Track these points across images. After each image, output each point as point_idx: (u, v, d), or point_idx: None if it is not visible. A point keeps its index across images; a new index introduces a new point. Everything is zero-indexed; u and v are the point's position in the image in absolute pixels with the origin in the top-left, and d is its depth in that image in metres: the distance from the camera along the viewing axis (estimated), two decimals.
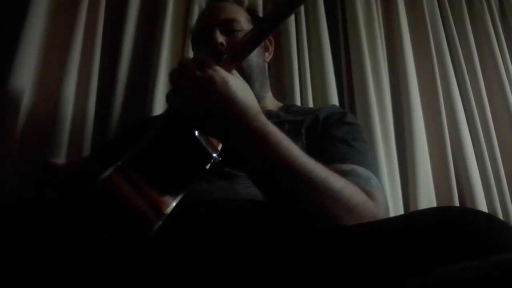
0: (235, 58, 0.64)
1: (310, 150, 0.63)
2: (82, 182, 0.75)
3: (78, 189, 0.72)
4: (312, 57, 1.41)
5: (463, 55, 1.58)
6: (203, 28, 0.98)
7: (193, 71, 0.59)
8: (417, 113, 1.40)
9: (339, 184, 0.61)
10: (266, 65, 1.04)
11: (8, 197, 0.99)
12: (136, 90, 1.24)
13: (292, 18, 1.41)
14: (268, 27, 0.63)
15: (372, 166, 0.79)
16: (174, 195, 0.61)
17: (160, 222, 0.58)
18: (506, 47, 1.66)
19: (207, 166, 0.64)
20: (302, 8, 1.45)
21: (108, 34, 1.25)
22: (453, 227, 0.43)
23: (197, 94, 0.58)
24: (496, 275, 0.33)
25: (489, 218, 0.46)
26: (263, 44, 1.02)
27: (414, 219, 0.50)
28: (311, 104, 1.32)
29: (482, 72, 1.58)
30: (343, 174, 0.68)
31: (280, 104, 1.05)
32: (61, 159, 1.02)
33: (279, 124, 0.86)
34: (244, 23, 0.97)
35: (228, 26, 0.95)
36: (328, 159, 0.73)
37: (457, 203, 1.31)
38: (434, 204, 1.29)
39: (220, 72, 0.59)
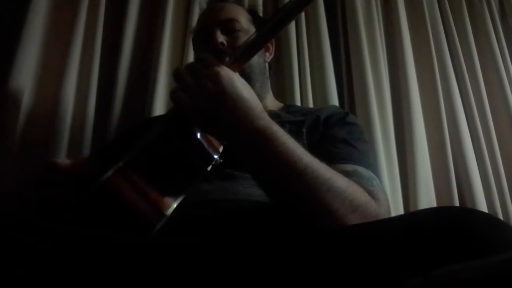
0: (237, 62, 0.64)
1: (311, 150, 0.63)
2: (83, 182, 0.75)
3: (79, 189, 0.72)
4: (312, 57, 1.41)
5: (463, 55, 1.58)
6: (204, 28, 0.98)
7: (199, 68, 0.59)
8: (417, 113, 1.40)
9: (343, 184, 0.61)
10: (267, 65, 1.04)
11: (8, 197, 0.99)
12: (136, 90, 1.24)
13: None
14: (271, 31, 0.63)
15: (374, 166, 0.79)
16: (175, 196, 0.61)
17: (161, 223, 0.58)
18: (506, 47, 1.66)
19: (209, 168, 0.64)
20: None
21: (108, 34, 1.25)
22: (453, 227, 0.43)
23: (203, 90, 0.58)
24: (496, 275, 0.33)
25: (489, 218, 0.46)
26: None
27: (414, 219, 0.50)
28: (311, 104, 1.32)
29: (482, 72, 1.58)
30: (345, 174, 0.68)
31: (280, 104, 1.05)
32: (62, 158, 1.02)
33: (280, 124, 0.86)
34: (244, 23, 0.97)
35: (229, 26, 0.95)
36: (329, 159, 0.73)
37: (457, 203, 1.31)
38: (434, 204, 1.29)
39: (226, 70, 0.59)
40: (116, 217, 0.57)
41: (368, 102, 1.35)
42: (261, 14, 1.27)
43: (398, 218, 0.56)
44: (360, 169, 0.74)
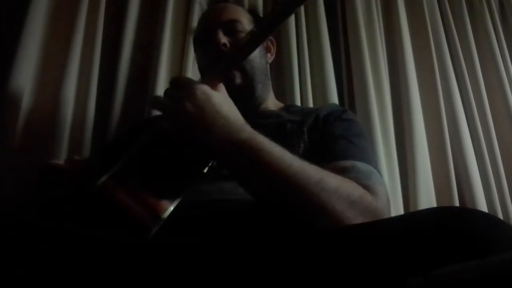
0: (234, 61, 0.64)
1: (312, 149, 0.63)
2: (82, 183, 0.75)
3: (77, 191, 0.72)
4: (312, 57, 1.41)
5: (463, 55, 1.58)
6: (206, 29, 0.98)
7: (175, 91, 0.60)
8: (417, 113, 1.41)
9: (335, 182, 0.61)
10: (268, 66, 1.04)
11: (8, 197, 0.99)
12: (136, 90, 1.24)
13: (292, 18, 1.41)
14: (267, 28, 0.63)
15: (372, 160, 0.79)
16: (171, 199, 0.61)
17: (157, 227, 0.58)
18: (506, 47, 1.66)
19: (205, 170, 0.64)
20: (302, 8, 1.45)
21: (108, 34, 1.25)
22: (453, 227, 0.43)
23: (180, 112, 0.59)
24: (496, 275, 0.33)
25: (489, 218, 0.46)
26: (265, 45, 1.02)
27: (414, 219, 0.50)
28: (311, 104, 1.32)
29: (482, 72, 1.58)
30: (344, 170, 0.68)
31: (281, 105, 1.05)
32: (62, 159, 1.02)
33: (281, 124, 0.87)
34: (246, 24, 0.98)
35: (231, 27, 0.95)
36: (328, 156, 0.73)
37: (457, 203, 1.31)
38: (434, 204, 1.29)
39: (202, 88, 0.60)
40: (112, 221, 0.57)
41: (368, 102, 1.35)
42: (261, 15, 1.27)
43: (398, 218, 0.56)
44: (359, 164, 0.74)
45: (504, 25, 1.73)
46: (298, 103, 1.31)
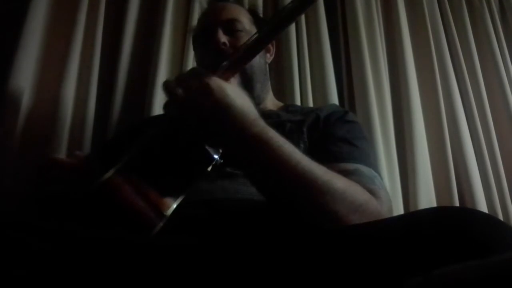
0: (235, 66, 0.64)
1: (312, 149, 0.63)
2: (83, 181, 0.75)
3: (79, 188, 0.72)
4: (312, 57, 1.41)
5: (463, 55, 1.58)
6: (206, 28, 0.98)
7: (189, 80, 0.59)
8: (417, 113, 1.41)
9: (343, 184, 0.61)
10: (267, 66, 1.04)
11: (8, 197, 0.99)
12: (136, 90, 1.24)
13: None
14: (270, 34, 0.63)
15: (375, 165, 0.79)
16: (175, 196, 0.61)
17: (161, 224, 0.58)
18: (506, 47, 1.66)
19: (209, 168, 0.64)
20: None
21: (108, 33, 1.25)
22: (452, 227, 0.43)
23: (193, 103, 0.58)
24: (496, 275, 0.33)
25: (489, 218, 0.46)
26: None
27: (414, 219, 0.50)
28: (311, 104, 1.32)
29: (482, 72, 1.58)
30: (347, 173, 0.68)
31: (280, 104, 1.05)
32: (62, 155, 1.02)
33: (281, 123, 0.86)
34: (246, 23, 0.97)
35: (231, 26, 0.95)
36: (330, 158, 0.73)
37: (457, 203, 1.31)
38: (434, 204, 1.29)
39: (216, 80, 0.59)
40: (115, 218, 0.57)
41: (368, 102, 1.35)
42: (261, 15, 1.27)
43: (398, 218, 0.56)
44: (362, 168, 0.74)
45: (504, 25, 1.73)
46: (298, 103, 1.31)
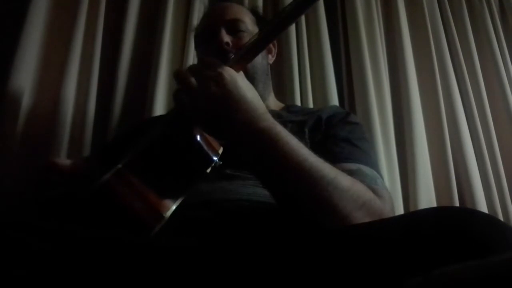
0: (241, 61, 0.64)
1: (314, 150, 0.63)
2: (82, 182, 0.75)
3: (78, 190, 0.72)
4: (312, 57, 1.41)
5: (463, 55, 1.58)
6: (209, 27, 0.98)
7: (202, 69, 0.59)
8: (417, 113, 1.41)
9: (348, 182, 0.61)
10: (269, 67, 1.04)
11: (8, 197, 0.99)
12: (136, 90, 1.24)
13: None
14: (274, 31, 0.62)
15: (376, 165, 0.79)
16: (174, 198, 0.61)
17: (160, 226, 0.58)
18: (506, 47, 1.66)
19: (208, 170, 0.64)
20: None
21: (108, 34, 1.25)
22: (452, 227, 0.43)
23: (206, 92, 0.58)
24: (496, 275, 0.33)
25: (489, 218, 0.46)
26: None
27: (414, 219, 0.50)
28: (311, 104, 1.32)
29: (482, 72, 1.58)
30: (349, 173, 0.68)
31: (281, 105, 1.05)
32: (62, 158, 1.02)
33: (282, 123, 0.86)
34: (249, 24, 0.98)
35: (234, 26, 0.95)
36: (332, 159, 0.73)
37: (457, 203, 1.31)
38: (434, 204, 1.29)
39: (230, 71, 0.59)
40: (115, 219, 0.57)
41: (368, 102, 1.35)
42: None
43: (398, 217, 0.56)
44: (364, 168, 0.74)
45: (504, 25, 1.73)
46: (298, 103, 1.31)
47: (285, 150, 0.58)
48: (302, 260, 0.47)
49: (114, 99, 1.19)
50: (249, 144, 0.59)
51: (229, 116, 0.58)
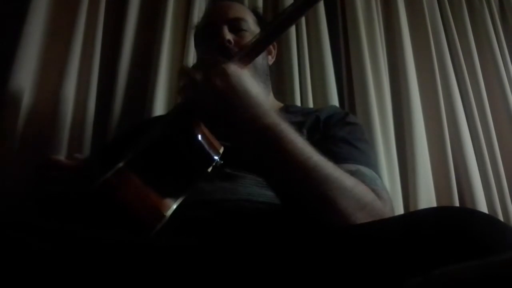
0: (244, 59, 0.64)
1: None
2: (82, 181, 0.75)
3: (78, 188, 0.72)
4: (312, 57, 1.41)
5: (463, 55, 1.58)
6: (211, 25, 0.98)
7: (207, 65, 0.59)
8: (417, 113, 1.41)
9: (351, 182, 0.61)
10: (269, 67, 1.04)
11: (8, 197, 0.99)
12: (136, 90, 1.24)
13: None
14: (277, 30, 0.63)
15: (375, 166, 0.79)
16: (174, 197, 0.61)
17: (160, 225, 0.58)
18: (506, 47, 1.66)
19: (209, 170, 0.64)
20: None
21: (108, 34, 1.25)
22: (452, 227, 0.43)
23: (211, 87, 0.58)
24: (496, 275, 0.33)
25: (489, 218, 0.46)
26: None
27: (413, 219, 0.50)
28: (311, 104, 1.32)
29: (482, 72, 1.58)
30: (349, 173, 0.68)
31: (280, 105, 1.05)
32: (62, 157, 1.02)
33: None
34: (251, 23, 0.98)
35: (236, 25, 0.95)
36: (331, 158, 0.73)
37: (457, 203, 1.31)
38: (434, 204, 1.29)
39: (235, 67, 0.59)
40: (115, 218, 0.57)
41: (368, 102, 1.35)
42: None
43: (398, 217, 0.56)
44: (363, 169, 0.74)
45: (504, 25, 1.73)
46: (298, 103, 1.31)
47: (290, 148, 0.58)
48: (301, 260, 0.47)
49: (114, 99, 1.18)
50: (253, 140, 0.59)
51: (233, 111, 0.58)
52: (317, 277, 0.45)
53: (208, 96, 0.58)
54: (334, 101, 1.35)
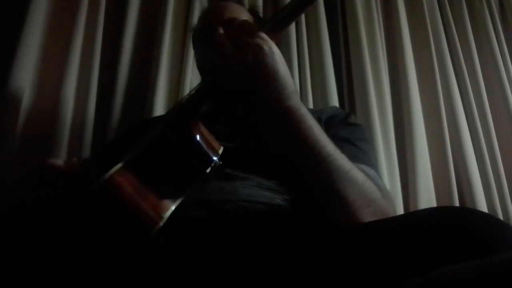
0: (276, 28, 0.62)
1: None
2: (80, 183, 0.75)
3: (77, 189, 0.72)
4: (312, 57, 1.41)
5: (463, 55, 1.58)
6: (206, 26, 0.98)
7: (241, 36, 0.57)
8: (417, 113, 1.41)
9: (361, 177, 0.60)
10: None
11: (8, 197, 0.99)
12: (136, 90, 1.24)
13: None
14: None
15: (376, 166, 0.79)
16: (173, 198, 0.61)
17: (159, 226, 0.58)
18: (506, 47, 1.66)
19: (208, 170, 0.64)
20: None
21: (108, 34, 1.25)
22: (453, 227, 0.43)
23: (242, 61, 0.56)
24: (496, 275, 0.33)
25: (489, 218, 0.46)
26: None
27: (414, 219, 0.50)
28: (311, 105, 1.32)
29: (482, 72, 1.58)
30: None
31: None
32: (60, 159, 1.02)
33: None
34: None
35: (231, 25, 0.95)
36: None
37: (457, 203, 1.31)
38: (434, 204, 1.30)
39: (268, 42, 0.57)
40: (114, 219, 0.57)
41: (368, 102, 1.35)
42: (261, 15, 1.27)
43: (398, 217, 0.56)
44: (365, 168, 0.74)
45: (504, 25, 1.73)
46: None
47: (307, 134, 0.57)
48: (301, 260, 0.47)
49: (114, 99, 1.18)
50: (272, 121, 0.58)
51: (259, 89, 0.56)
52: (317, 277, 0.45)
53: (237, 69, 0.56)
54: (334, 101, 1.35)
